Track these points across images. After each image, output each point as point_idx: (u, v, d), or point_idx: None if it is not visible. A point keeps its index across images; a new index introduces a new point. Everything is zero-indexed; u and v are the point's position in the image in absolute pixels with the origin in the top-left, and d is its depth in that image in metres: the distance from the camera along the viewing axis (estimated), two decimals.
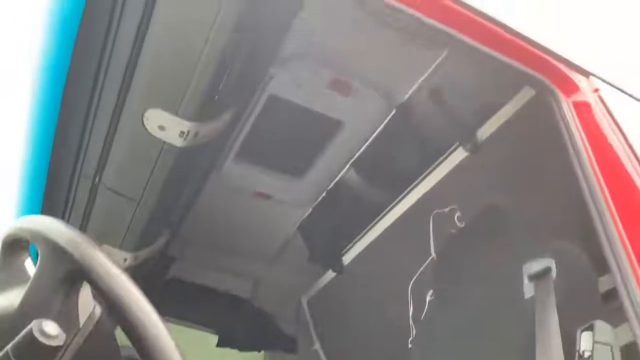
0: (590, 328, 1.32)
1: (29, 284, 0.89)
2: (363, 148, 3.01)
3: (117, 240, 2.62)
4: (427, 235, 2.83)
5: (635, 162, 1.38)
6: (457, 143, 2.61)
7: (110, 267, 0.87)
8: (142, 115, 2.10)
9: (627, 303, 1.22)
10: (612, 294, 1.36)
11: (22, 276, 0.98)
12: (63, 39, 1.96)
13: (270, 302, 3.66)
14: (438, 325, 2.56)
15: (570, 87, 1.60)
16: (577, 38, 1.78)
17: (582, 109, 1.54)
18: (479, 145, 2.49)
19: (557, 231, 1.70)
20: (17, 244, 1.01)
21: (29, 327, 0.79)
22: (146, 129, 2.13)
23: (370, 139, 2.97)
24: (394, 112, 2.84)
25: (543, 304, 1.45)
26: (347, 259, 3.28)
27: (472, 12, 1.54)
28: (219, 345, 3.61)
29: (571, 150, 1.45)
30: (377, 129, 2.91)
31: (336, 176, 3.14)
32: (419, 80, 2.65)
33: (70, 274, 0.88)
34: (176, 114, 2.09)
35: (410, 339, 2.78)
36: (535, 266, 1.57)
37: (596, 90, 1.57)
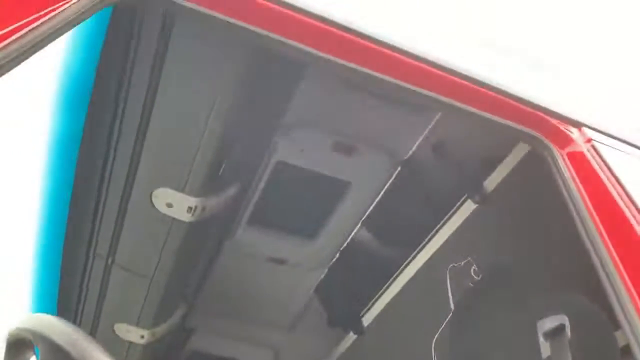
0: None
1: None
2: (373, 206, 3.03)
3: (133, 317, 2.63)
4: (445, 290, 2.78)
5: (632, 207, 1.36)
6: (465, 195, 2.61)
7: None
8: (151, 195, 2.16)
9: None
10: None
11: None
12: (73, 125, 2.05)
13: None
14: None
15: (564, 140, 1.62)
16: (567, 91, 1.81)
17: (577, 159, 1.54)
18: (486, 196, 2.48)
19: (565, 284, 1.67)
20: (21, 343, 1.04)
21: None
22: (155, 207, 2.19)
23: (379, 197, 2.99)
24: (399, 169, 2.87)
25: None
26: (366, 319, 3.23)
27: (458, 77, 1.58)
28: None
29: (569, 202, 1.44)
30: (384, 186, 2.93)
31: (348, 236, 3.14)
32: (420, 138, 2.69)
33: None
34: (183, 191, 2.15)
35: None
36: (548, 323, 1.53)
37: (589, 140, 1.58)
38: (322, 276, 3.32)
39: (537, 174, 1.79)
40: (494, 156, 2.40)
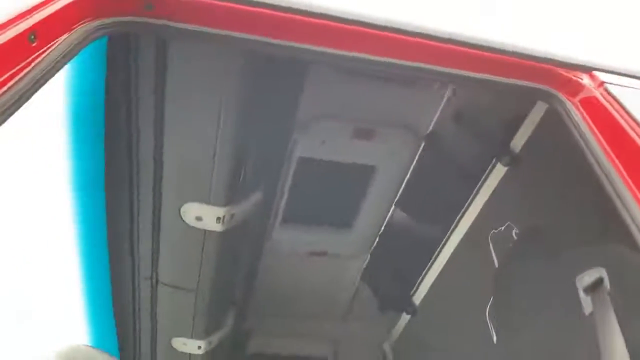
0: None
1: None
2: (403, 186, 3.00)
3: (187, 330, 2.71)
4: (490, 257, 2.73)
5: None
6: (494, 160, 2.55)
7: None
8: (179, 212, 2.22)
9: None
10: None
11: None
12: (95, 162, 2.11)
13: (353, 358, 3.61)
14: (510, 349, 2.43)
15: (574, 88, 1.55)
16: (572, 36, 1.73)
17: (591, 106, 1.47)
18: (515, 157, 2.42)
19: (600, 237, 1.61)
20: None
21: None
22: (185, 222, 2.24)
23: (408, 176, 2.96)
24: (423, 144, 2.83)
25: (603, 320, 1.35)
26: (416, 298, 3.21)
27: (459, 45, 1.53)
28: None
29: (586, 150, 1.39)
30: (411, 164, 2.90)
31: (384, 219, 3.13)
32: (438, 111, 2.65)
33: None
34: (208, 202, 2.19)
35: None
36: (587, 278, 1.48)
37: (601, 84, 1.51)
38: (366, 263, 3.32)
39: (561, 129, 1.74)
40: (515, 117, 2.33)
